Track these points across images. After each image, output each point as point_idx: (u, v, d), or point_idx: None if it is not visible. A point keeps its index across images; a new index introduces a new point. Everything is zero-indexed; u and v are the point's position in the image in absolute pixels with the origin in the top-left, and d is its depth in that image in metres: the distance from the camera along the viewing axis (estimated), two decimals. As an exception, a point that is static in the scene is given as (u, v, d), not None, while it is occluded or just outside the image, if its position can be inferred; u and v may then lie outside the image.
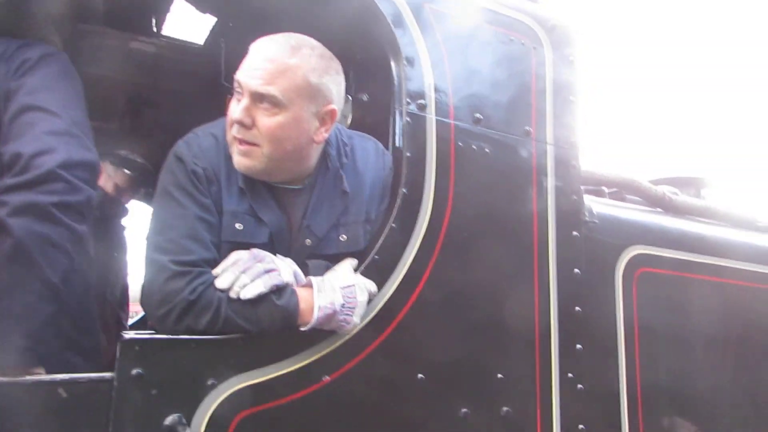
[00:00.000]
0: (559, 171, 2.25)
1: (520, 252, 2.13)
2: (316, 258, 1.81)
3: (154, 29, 3.16)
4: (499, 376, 1.99)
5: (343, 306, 1.67)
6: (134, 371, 1.51)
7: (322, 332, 1.71)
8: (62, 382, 1.48)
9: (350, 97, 2.66)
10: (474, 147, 2.08)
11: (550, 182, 2.23)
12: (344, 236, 1.84)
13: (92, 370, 1.54)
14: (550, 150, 2.26)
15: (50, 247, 1.49)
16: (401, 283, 1.85)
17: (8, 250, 1.45)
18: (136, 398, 1.50)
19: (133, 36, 3.07)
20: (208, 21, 3.06)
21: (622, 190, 2.76)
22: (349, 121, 2.66)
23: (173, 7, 3.05)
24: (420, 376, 1.86)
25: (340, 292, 1.68)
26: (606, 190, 2.77)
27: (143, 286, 1.62)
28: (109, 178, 3.29)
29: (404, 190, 1.91)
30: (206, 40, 3.14)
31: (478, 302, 2.02)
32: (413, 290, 1.87)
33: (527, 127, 2.22)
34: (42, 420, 1.46)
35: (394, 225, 1.88)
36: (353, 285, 1.71)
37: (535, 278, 2.14)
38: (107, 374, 1.51)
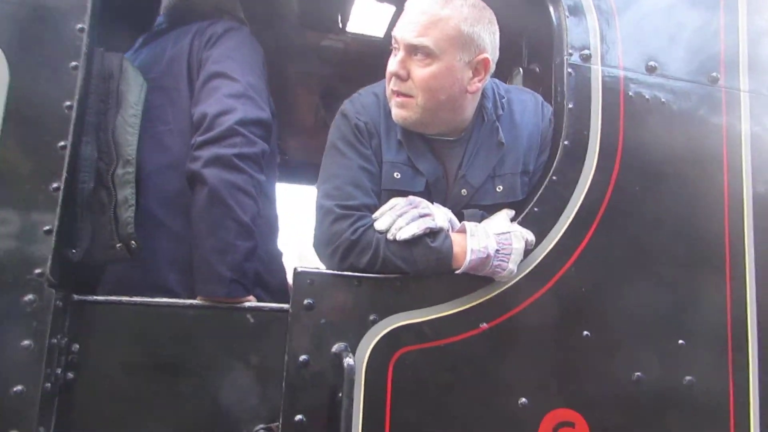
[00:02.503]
0: (755, 120, 1.98)
1: (708, 209, 1.92)
2: (472, 208, 1.84)
3: (340, 26, 3.47)
4: (680, 342, 1.81)
5: (497, 252, 1.67)
6: (306, 301, 1.67)
7: (482, 280, 1.73)
8: (249, 309, 1.71)
9: (521, 70, 2.64)
10: (647, 97, 1.93)
11: (744, 133, 1.97)
12: (500, 187, 1.84)
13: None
14: (744, 98, 1.99)
15: (238, 191, 1.73)
16: (563, 236, 1.79)
17: (205, 197, 1.71)
18: (307, 326, 1.66)
19: (323, 34, 3.41)
20: (387, 13, 3.26)
21: None
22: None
23: (356, 3, 3.32)
24: (585, 333, 1.78)
25: (494, 238, 1.68)
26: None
27: (314, 229, 1.80)
28: None
29: (566, 143, 1.85)
30: (386, 31, 3.36)
31: (653, 262, 1.86)
32: (577, 245, 1.80)
33: (714, 74, 1.99)
34: (233, 340, 1.70)
35: (554, 177, 1.83)
36: (509, 232, 1.70)
37: (726, 237, 1.90)
38: (285, 305, 1.70)
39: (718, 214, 1.91)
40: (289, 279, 2.19)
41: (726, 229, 1.90)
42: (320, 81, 3.64)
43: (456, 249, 1.70)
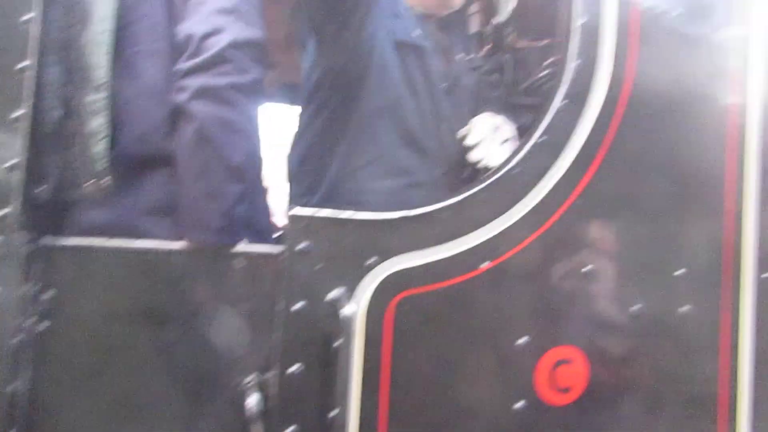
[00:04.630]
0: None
1: (715, 137, 1.81)
2: None
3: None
4: (677, 273, 1.75)
5: None
6: (300, 245, 1.56)
7: (484, 216, 1.63)
8: (238, 254, 1.61)
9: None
10: (664, 10, 1.78)
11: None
12: None
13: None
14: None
15: (229, 129, 1.57)
16: (569, 168, 1.68)
17: (192, 135, 1.54)
18: (302, 270, 1.56)
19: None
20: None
21: None
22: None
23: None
24: (586, 269, 1.71)
25: None
26: None
27: None
28: None
29: (578, 62, 1.70)
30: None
31: (656, 192, 1.78)
32: (582, 176, 1.69)
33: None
34: (220, 286, 1.59)
35: (565, 101, 1.69)
36: None
37: (731, 168, 1.81)
38: (277, 248, 1.59)
39: (719, 147, 1.81)
40: (277, 218, 2.07)
41: (731, 162, 1.81)
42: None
43: None
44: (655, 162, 1.77)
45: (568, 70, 1.70)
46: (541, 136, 1.68)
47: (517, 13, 2.18)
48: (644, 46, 1.75)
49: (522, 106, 2.24)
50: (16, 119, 1.39)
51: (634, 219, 1.75)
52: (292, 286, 1.56)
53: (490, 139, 1.74)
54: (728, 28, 1.84)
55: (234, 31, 1.57)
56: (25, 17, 1.40)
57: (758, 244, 1.79)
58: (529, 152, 1.68)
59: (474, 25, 2.55)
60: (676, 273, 1.75)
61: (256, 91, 1.63)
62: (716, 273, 1.78)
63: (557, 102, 1.69)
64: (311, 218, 1.59)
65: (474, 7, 2.56)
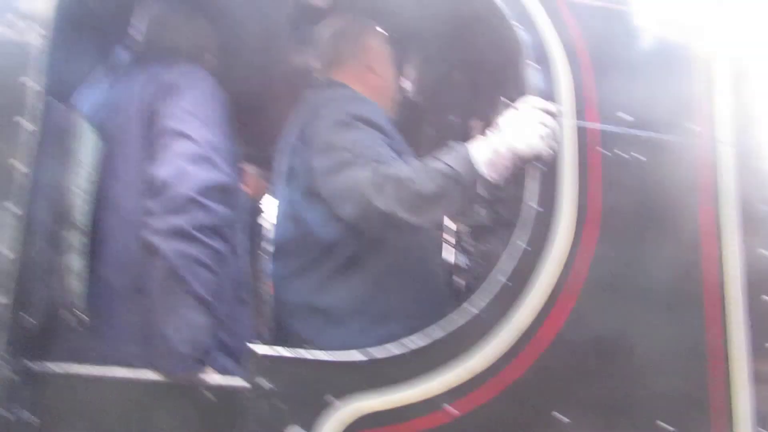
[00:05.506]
0: (741, 176, 1.87)
1: (691, 283, 1.81)
2: None
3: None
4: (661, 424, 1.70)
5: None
6: (260, 381, 1.60)
7: (443, 356, 1.64)
8: (207, 386, 1.64)
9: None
10: (622, 153, 1.83)
11: (730, 192, 1.86)
12: None
13: (241, 371, 1.68)
14: (726, 151, 1.88)
15: (196, 265, 1.64)
16: (538, 314, 1.70)
17: (161, 271, 1.63)
18: (262, 407, 1.59)
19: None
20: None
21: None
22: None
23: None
24: (559, 416, 1.67)
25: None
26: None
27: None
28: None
29: (539, 208, 1.75)
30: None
31: (630, 349, 1.75)
32: (552, 323, 1.70)
33: (692, 125, 1.88)
34: (190, 417, 1.63)
35: (528, 247, 1.72)
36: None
37: (712, 311, 1.78)
38: (238, 381, 1.64)
39: (696, 290, 1.80)
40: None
41: (717, 304, 1.80)
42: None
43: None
44: (627, 317, 1.77)
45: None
46: (506, 282, 1.70)
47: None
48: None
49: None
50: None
51: (609, 370, 1.72)
52: (250, 420, 1.58)
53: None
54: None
55: (202, 177, 1.67)
56: (18, 165, 1.51)
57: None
58: (495, 298, 1.70)
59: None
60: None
61: (223, 230, 1.71)
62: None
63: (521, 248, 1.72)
64: (272, 357, 1.63)
65: (475, 124, 2.67)
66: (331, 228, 1.92)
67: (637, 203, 1.82)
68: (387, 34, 2.35)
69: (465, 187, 1.74)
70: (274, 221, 2.26)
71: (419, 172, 1.75)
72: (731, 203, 1.85)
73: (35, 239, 1.61)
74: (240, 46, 2.48)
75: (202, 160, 1.70)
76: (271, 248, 2.24)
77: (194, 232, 1.64)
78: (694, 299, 1.80)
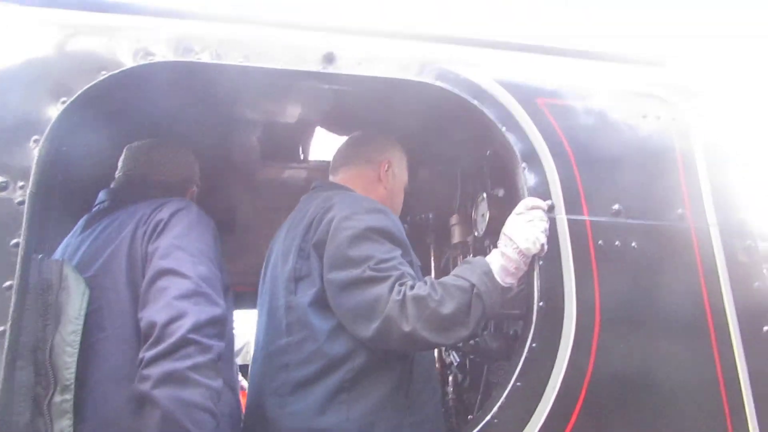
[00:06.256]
0: (729, 255, 1.92)
1: (697, 369, 1.81)
2: None
3: (302, 156, 3.42)
4: None
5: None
6: None
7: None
8: None
9: (485, 195, 2.59)
10: (617, 243, 1.86)
11: (721, 270, 1.90)
12: None
13: None
14: (714, 232, 1.94)
15: (194, 409, 1.56)
16: (550, 412, 1.65)
17: (159, 421, 1.53)
18: None
19: (286, 165, 3.34)
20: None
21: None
22: (487, 218, 2.58)
23: (316, 136, 3.29)
24: None
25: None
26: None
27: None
28: None
29: (541, 303, 1.75)
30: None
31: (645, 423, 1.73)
32: (567, 420, 1.66)
33: (680, 210, 1.94)
34: None
35: (534, 345, 1.70)
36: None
37: (723, 392, 1.78)
38: None
39: (709, 370, 1.80)
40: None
41: (721, 384, 1.78)
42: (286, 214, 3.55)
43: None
44: (637, 399, 1.75)
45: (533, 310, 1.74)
46: (515, 383, 1.67)
47: (491, 227, 2.27)
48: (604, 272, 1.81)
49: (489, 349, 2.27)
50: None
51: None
52: None
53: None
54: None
55: (195, 314, 1.62)
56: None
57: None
58: (507, 397, 1.66)
59: (455, 237, 2.67)
60: None
61: (218, 364, 1.64)
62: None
63: (527, 345, 1.70)
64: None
65: (454, 219, 2.69)
66: (342, 342, 1.82)
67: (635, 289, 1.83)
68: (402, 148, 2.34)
69: (485, 299, 1.72)
70: (261, 328, 2.10)
71: (439, 291, 1.71)
72: (725, 282, 1.88)
73: (19, 403, 1.50)
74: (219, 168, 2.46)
75: (197, 295, 1.66)
76: (258, 357, 2.08)
77: (190, 374, 1.57)
78: (707, 387, 1.78)
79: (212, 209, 2.47)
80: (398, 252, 1.83)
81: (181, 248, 1.73)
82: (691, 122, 2.04)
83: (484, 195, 2.46)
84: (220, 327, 1.69)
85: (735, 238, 1.94)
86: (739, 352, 1.82)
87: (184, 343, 1.57)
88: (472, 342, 2.36)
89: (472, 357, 2.43)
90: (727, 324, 1.84)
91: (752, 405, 1.79)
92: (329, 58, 1.82)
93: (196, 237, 1.79)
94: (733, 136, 2.07)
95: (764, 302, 1.90)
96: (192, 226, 1.81)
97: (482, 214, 2.47)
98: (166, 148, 2.19)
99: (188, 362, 1.56)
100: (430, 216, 3.02)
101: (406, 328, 1.65)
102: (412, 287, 1.71)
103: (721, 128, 2.07)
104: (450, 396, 2.57)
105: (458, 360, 2.57)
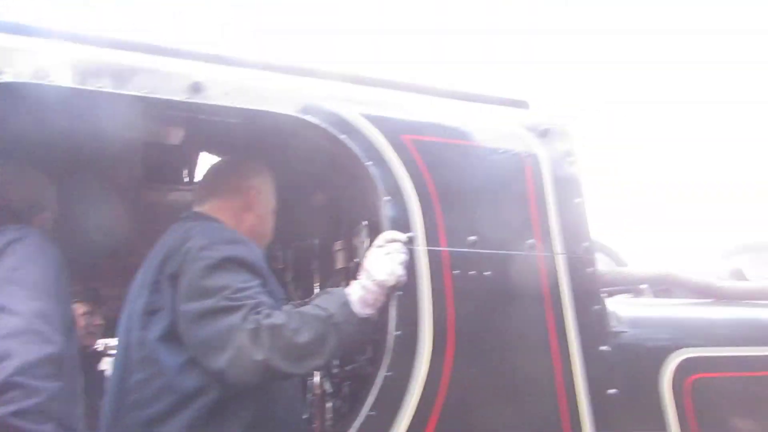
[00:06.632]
0: (574, 281, 2.10)
1: (542, 383, 1.96)
2: None
3: (187, 179, 3.36)
4: None
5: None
6: None
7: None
8: None
9: (366, 222, 2.67)
10: (472, 272, 1.99)
11: (565, 295, 2.08)
12: None
13: None
14: (560, 260, 2.12)
15: None
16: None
17: None
18: None
19: (171, 187, 3.27)
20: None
21: (656, 286, 2.53)
22: (366, 245, 2.65)
23: (200, 158, 3.25)
24: None
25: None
26: (646, 288, 2.55)
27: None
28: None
29: (398, 332, 1.83)
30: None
31: None
32: None
33: (531, 240, 2.11)
34: None
35: (389, 374, 1.79)
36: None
37: (563, 407, 1.94)
38: None
39: (550, 388, 1.95)
40: None
41: (563, 401, 1.94)
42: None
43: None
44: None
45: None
46: (369, 412, 1.73)
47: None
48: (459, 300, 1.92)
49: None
50: None
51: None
52: None
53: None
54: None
55: (22, 355, 1.53)
56: None
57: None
58: (363, 426, 1.72)
59: (339, 263, 2.72)
60: None
61: (49, 407, 1.55)
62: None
63: (381, 375, 1.78)
64: None
65: (337, 246, 2.74)
66: (193, 376, 1.80)
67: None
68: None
69: (343, 329, 1.78)
70: (116, 364, 2.03)
71: (296, 320, 1.74)
72: (568, 307, 2.05)
73: None
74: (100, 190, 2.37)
75: (27, 333, 1.58)
76: (111, 394, 1.99)
77: (12, 420, 1.48)
78: (549, 399, 1.94)
79: (93, 232, 2.38)
80: (257, 281, 1.84)
81: (14, 282, 1.65)
82: (543, 159, 2.23)
83: (365, 222, 2.55)
84: (55, 366, 1.60)
85: (579, 266, 2.13)
86: (579, 370, 2.00)
87: (7, 386, 1.49)
88: (348, 368, 2.42)
89: (348, 383, 2.48)
90: (567, 343, 2.02)
91: (591, 423, 1.96)
92: (196, 88, 1.84)
93: (33, 269, 1.71)
94: (578, 172, 2.27)
95: (602, 323, 2.10)
96: (29, 257, 1.73)
97: (362, 241, 2.55)
98: (9, 169, 2.07)
99: (12, 407, 1.48)
100: (316, 242, 3.06)
101: (259, 356, 1.66)
102: (268, 315, 1.72)
103: (570, 165, 2.27)
104: (328, 423, 2.61)
105: (332, 388, 2.62)
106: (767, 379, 2.22)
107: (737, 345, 2.25)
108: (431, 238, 1.98)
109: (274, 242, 2.81)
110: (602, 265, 2.79)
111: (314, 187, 2.65)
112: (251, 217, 2.20)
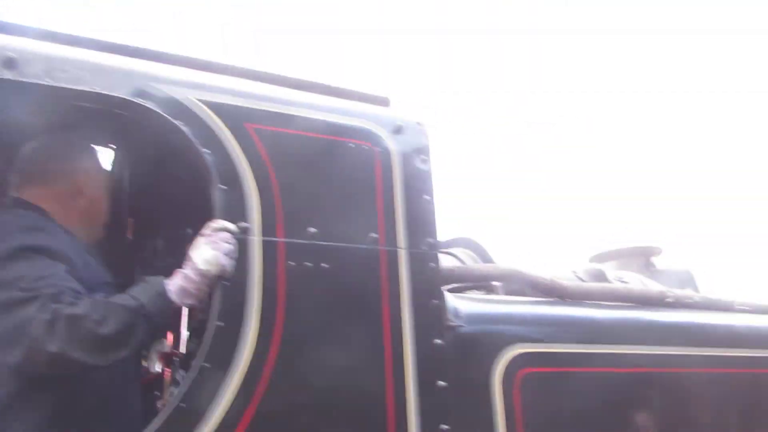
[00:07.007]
0: (414, 276, 2.14)
1: (370, 375, 1.99)
2: None
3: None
4: None
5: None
6: None
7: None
8: None
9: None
10: (309, 264, 1.99)
11: (404, 289, 2.12)
12: None
13: None
14: (402, 255, 2.16)
15: None
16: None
17: None
18: None
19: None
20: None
21: (503, 283, 2.62)
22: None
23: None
24: None
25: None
26: (497, 284, 2.64)
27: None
28: None
29: (220, 323, 1.81)
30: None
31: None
32: None
33: (373, 234, 2.13)
34: None
35: (206, 364, 1.76)
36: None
37: (390, 398, 1.98)
38: None
39: (380, 380, 1.98)
40: None
41: (389, 390, 1.98)
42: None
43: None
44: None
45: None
46: (179, 404, 1.71)
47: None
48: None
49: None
50: None
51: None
52: None
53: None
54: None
55: None
56: None
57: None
58: (171, 416, 1.68)
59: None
60: None
61: None
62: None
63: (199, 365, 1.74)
64: None
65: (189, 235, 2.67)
66: None
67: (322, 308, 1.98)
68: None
69: (152, 318, 1.74)
70: None
71: (101, 309, 1.68)
72: (406, 300, 2.09)
73: None
74: None
75: None
76: None
77: None
78: (377, 391, 1.97)
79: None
80: (60, 267, 1.76)
81: None
82: (395, 155, 2.26)
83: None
84: None
85: (421, 261, 2.18)
86: (410, 363, 2.04)
87: None
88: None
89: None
90: (402, 336, 2.06)
91: (417, 414, 2.00)
92: (9, 64, 1.73)
93: None
94: (430, 170, 2.32)
95: (439, 318, 2.15)
96: None
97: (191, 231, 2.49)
98: None
99: None
100: (188, 231, 2.97)
101: (53, 348, 1.59)
102: (70, 304, 1.65)
103: (422, 162, 2.31)
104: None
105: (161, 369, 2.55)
106: (596, 375, 2.36)
107: (570, 342, 2.37)
108: (268, 229, 1.96)
109: (140, 229, 2.73)
110: (470, 260, 2.89)
111: (164, 174, 2.58)
112: (83, 202, 2.09)
